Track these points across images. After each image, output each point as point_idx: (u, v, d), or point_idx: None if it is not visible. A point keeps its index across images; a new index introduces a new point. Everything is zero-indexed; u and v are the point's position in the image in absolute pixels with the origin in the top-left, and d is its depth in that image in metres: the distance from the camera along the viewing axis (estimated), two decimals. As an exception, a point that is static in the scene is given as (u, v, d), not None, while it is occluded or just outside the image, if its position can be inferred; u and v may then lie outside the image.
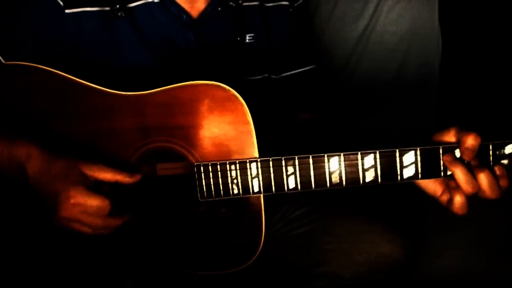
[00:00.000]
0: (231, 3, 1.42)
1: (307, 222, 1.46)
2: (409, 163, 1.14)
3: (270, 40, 1.48)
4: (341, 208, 1.48)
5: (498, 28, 2.19)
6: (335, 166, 1.16)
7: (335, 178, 1.16)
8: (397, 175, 1.15)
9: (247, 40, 1.45)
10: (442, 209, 1.16)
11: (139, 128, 1.24)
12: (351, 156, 1.15)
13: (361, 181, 1.16)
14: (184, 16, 1.36)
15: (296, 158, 1.17)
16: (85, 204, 1.12)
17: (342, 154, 1.15)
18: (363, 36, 2.02)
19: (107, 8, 1.31)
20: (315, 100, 1.57)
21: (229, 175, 1.19)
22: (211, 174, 1.20)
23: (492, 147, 1.11)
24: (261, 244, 1.23)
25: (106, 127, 1.25)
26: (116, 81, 1.25)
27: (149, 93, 1.22)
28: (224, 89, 1.18)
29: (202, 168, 1.21)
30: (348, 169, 1.15)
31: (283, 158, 1.17)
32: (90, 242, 1.20)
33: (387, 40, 2.00)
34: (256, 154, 1.19)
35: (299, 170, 1.17)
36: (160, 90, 1.21)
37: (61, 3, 1.28)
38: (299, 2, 1.54)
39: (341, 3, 2.01)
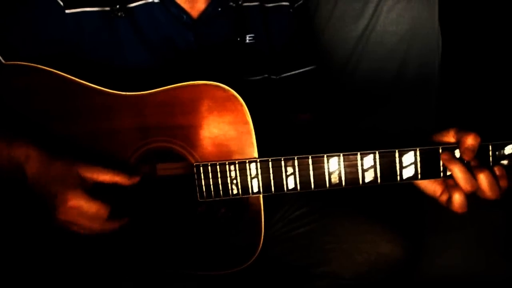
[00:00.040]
0: (231, 3, 1.42)
1: (307, 222, 1.46)
2: (408, 163, 1.14)
3: (270, 41, 1.48)
4: (341, 208, 1.48)
5: (498, 28, 2.19)
6: (334, 167, 1.16)
7: (334, 179, 1.16)
8: (397, 175, 1.15)
9: (247, 41, 1.45)
10: (442, 209, 1.16)
11: (139, 128, 1.24)
12: (351, 156, 1.15)
13: (361, 182, 1.16)
14: (184, 16, 1.36)
15: (296, 158, 1.17)
16: (83, 208, 1.13)
17: (341, 154, 1.15)
18: (363, 36, 2.02)
19: (107, 8, 1.31)
20: (315, 101, 1.57)
21: (228, 175, 1.20)
22: (210, 174, 1.20)
23: (492, 147, 1.11)
24: (261, 244, 1.23)
25: (106, 127, 1.25)
26: (116, 81, 1.25)
27: (149, 93, 1.22)
28: (224, 89, 1.18)
29: (201, 168, 1.21)
30: (348, 170, 1.15)
31: (282, 159, 1.17)
32: (89, 243, 1.20)
33: (387, 40, 2.00)
34: (256, 154, 1.19)
35: (299, 171, 1.17)
36: (160, 90, 1.21)
37: (61, 3, 1.28)
38: (300, 3, 1.54)
39: (341, 3, 2.01)
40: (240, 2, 1.43)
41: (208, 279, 1.29)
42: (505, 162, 1.12)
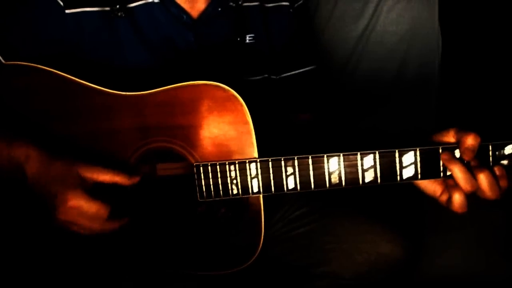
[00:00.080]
0: (231, 3, 1.42)
1: (307, 222, 1.46)
2: (408, 163, 1.14)
3: (270, 41, 1.48)
4: (341, 208, 1.48)
5: (498, 28, 2.19)
6: (334, 167, 1.16)
7: (334, 179, 1.16)
8: (397, 175, 1.15)
9: (247, 41, 1.45)
10: (442, 209, 1.16)
11: (139, 128, 1.24)
12: (351, 156, 1.15)
13: (361, 182, 1.16)
14: (184, 16, 1.36)
15: (296, 158, 1.17)
16: (82, 208, 1.13)
17: (341, 154, 1.15)
18: (363, 36, 2.02)
19: (107, 8, 1.31)
20: (315, 101, 1.57)
21: (228, 175, 1.20)
22: (210, 174, 1.20)
23: (491, 147, 1.11)
24: (261, 245, 1.23)
25: (106, 127, 1.25)
26: (116, 81, 1.25)
27: (149, 93, 1.22)
28: (224, 89, 1.18)
29: (201, 168, 1.21)
30: (348, 170, 1.15)
31: (282, 159, 1.17)
32: (89, 243, 1.20)
33: (387, 40, 2.00)
34: (256, 154, 1.19)
35: (299, 171, 1.17)
36: (160, 90, 1.21)
37: (61, 3, 1.28)
38: (300, 3, 1.54)
39: (341, 3, 2.01)
40: (240, 2, 1.43)
41: (208, 279, 1.29)
42: (505, 162, 1.12)
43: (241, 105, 1.18)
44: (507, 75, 2.16)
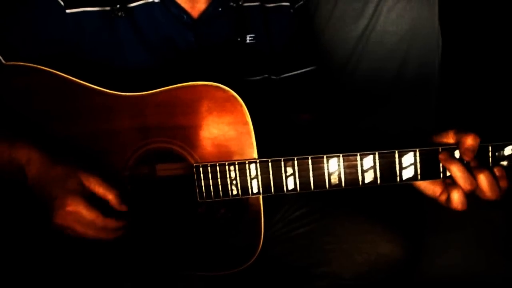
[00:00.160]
0: (232, 3, 1.42)
1: (307, 222, 1.46)
2: (408, 164, 1.14)
3: (271, 41, 1.48)
4: (341, 208, 1.48)
5: (498, 28, 2.19)
6: (334, 167, 1.16)
7: (334, 179, 1.16)
8: (396, 176, 1.15)
9: (247, 41, 1.45)
10: (442, 209, 1.16)
11: (139, 128, 1.24)
12: (350, 157, 1.15)
13: (360, 182, 1.16)
14: (185, 16, 1.36)
15: (295, 159, 1.17)
16: (80, 214, 1.12)
17: (341, 155, 1.15)
18: (363, 36, 2.02)
19: (108, 8, 1.31)
20: (315, 101, 1.57)
21: (228, 176, 1.20)
22: (210, 175, 1.20)
23: (491, 148, 1.12)
24: (260, 245, 1.23)
25: (106, 127, 1.25)
26: (116, 82, 1.25)
27: (149, 93, 1.22)
28: (223, 90, 1.18)
29: (201, 169, 1.21)
30: (347, 170, 1.16)
31: (282, 159, 1.17)
32: (89, 245, 1.20)
33: (387, 40, 2.00)
34: (255, 155, 1.19)
35: (298, 171, 1.17)
36: (160, 90, 1.21)
37: (62, 3, 1.28)
38: (300, 3, 1.54)
39: (341, 3, 2.01)
40: (240, 2, 1.43)
41: (208, 279, 1.29)
42: (504, 163, 1.12)
43: (241, 105, 1.18)
44: (507, 75, 2.16)
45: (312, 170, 1.16)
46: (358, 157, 1.15)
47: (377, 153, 1.14)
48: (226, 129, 1.20)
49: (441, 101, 2.09)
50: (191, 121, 1.21)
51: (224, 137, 1.20)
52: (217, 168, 1.20)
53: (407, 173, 1.14)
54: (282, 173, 1.18)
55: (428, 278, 1.72)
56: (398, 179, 1.15)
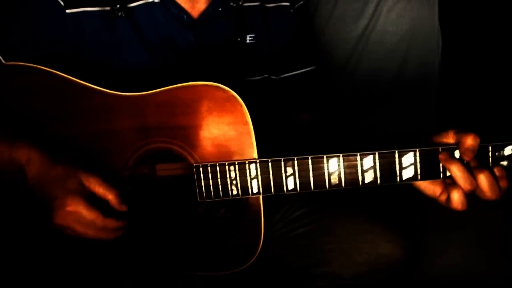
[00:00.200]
0: (232, 3, 1.42)
1: (307, 222, 1.46)
2: (408, 164, 1.14)
3: (271, 41, 1.48)
4: (341, 208, 1.48)
5: (498, 28, 2.19)
6: (334, 167, 1.16)
7: (334, 179, 1.16)
8: (396, 176, 1.15)
9: (247, 41, 1.45)
10: (442, 209, 1.16)
11: (139, 128, 1.24)
12: (350, 157, 1.15)
13: (360, 182, 1.16)
14: (185, 16, 1.36)
15: (295, 159, 1.17)
16: (80, 214, 1.12)
17: (341, 155, 1.15)
18: (363, 36, 2.02)
19: (108, 8, 1.31)
20: (315, 101, 1.57)
21: (228, 176, 1.20)
22: (210, 175, 1.20)
23: (491, 148, 1.12)
24: (260, 245, 1.23)
25: (106, 127, 1.25)
26: (116, 82, 1.25)
27: (149, 93, 1.22)
28: (223, 90, 1.18)
29: (201, 169, 1.21)
30: (347, 170, 1.16)
31: (282, 159, 1.17)
32: (89, 245, 1.20)
33: (387, 40, 2.00)
34: (255, 155, 1.19)
35: (298, 171, 1.17)
36: (160, 90, 1.21)
37: (62, 3, 1.28)
38: (300, 3, 1.54)
39: (341, 3, 2.01)
40: (240, 2, 1.43)
41: (208, 279, 1.29)
42: (504, 163, 1.12)
43: (241, 105, 1.18)
44: (507, 75, 2.16)
45: (312, 170, 1.16)
46: (358, 157, 1.15)
47: (377, 153, 1.14)
48: (226, 129, 1.20)
49: (441, 101, 2.09)
50: (191, 121, 1.21)
51: (224, 137, 1.20)
52: (217, 168, 1.20)
53: (407, 173, 1.14)
54: (282, 173, 1.18)
55: (428, 278, 1.72)
56: (398, 179, 1.15)
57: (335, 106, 2.00)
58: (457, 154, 1.12)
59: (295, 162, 1.17)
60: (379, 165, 1.14)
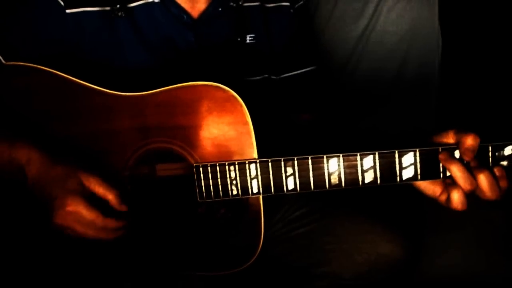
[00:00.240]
0: (232, 3, 1.42)
1: (307, 222, 1.46)
2: (408, 164, 1.14)
3: (271, 41, 1.48)
4: (341, 208, 1.48)
5: (498, 28, 2.19)
6: (334, 167, 1.16)
7: (334, 179, 1.16)
8: (396, 176, 1.15)
9: (247, 41, 1.45)
10: (442, 209, 1.16)
11: (139, 128, 1.24)
12: (350, 157, 1.15)
13: (360, 182, 1.16)
14: (185, 16, 1.36)
15: (295, 159, 1.17)
16: (80, 214, 1.12)
17: (341, 155, 1.15)
18: (363, 36, 2.02)
19: (108, 8, 1.31)
20: (315, 101, 1.57)
21: (228, 176, 1.20)
22: (210, 175, 1.20)
23: (491, 148, 1.12)
24: (260, 245, 1.23)
25: (106, 127, 1.25)
26: (116, 82, 1.25)
27: (149, 93, 1.22)
28: (223, 90, 1.18)
29: (201, 169, 1.21)
30: (347, 170, 1.16)
31: (282, 159, 1.17)
32: (89, 245, 1.20)
33: (387, 40, 2.00)
34: (255, 155, 1.19)
35: (298, 171, 1.17)
36: (160, 90, 1.21)
37: (62, 3, 1.28)
38: (300, 3, 1.54)
39: (341, 3, 2.01)
40: (240, 2, 1.43)
41: (208, 279, 1.29)
42: (504, 163, 1.12)
43: (241, 105, 1.18)
44: (507, 75, 2.16)
45: (312, 170, 1.16)
46: (358, 157, 1.15)
47: (377, 153, 1.14)
48: (226, 129, 1.20)
49: (441, 101, 2.09)
50: (191, 121, 1.21)
51: (224, 137, 1.20)
52: (217, 168, 1.20)
53: (407, 173, 1.14)
54: (282, 173, 1.18)
55: (428, 278, 1.72)
56: (398, 179, 1.15)
57: (335, 106, 2.00)
58: (457, 154, 1.12)
59: (295, 162, 1.17)
60: (379, 165, 1.14)
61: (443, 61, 2.06)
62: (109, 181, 1.17)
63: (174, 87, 1.21)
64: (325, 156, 1.16)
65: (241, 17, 1.44)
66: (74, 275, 1.23)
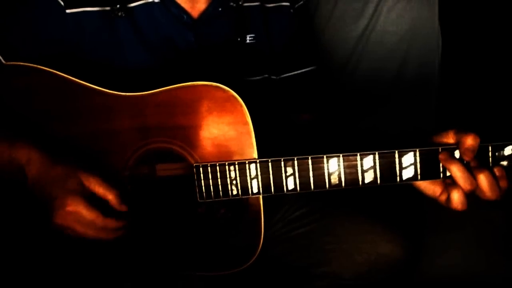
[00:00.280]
0: (232, 3, 1.42)
1: (307, 222, 1.46)
2: (408, 164, 1.14)
3: (271, 41, 1.48)
4: (341, 208, 1.48)
5: (498, 28, 2.19)
6: (334, 167, 1.16)
7: (334, 179, 1.16)
8: (397, 176, 1.15)
9: (247, 41, 1.45)
10: (442, 209, 1.16)
11: (139, 128, 1.24)
12: (350, 157, 1.15)
13: (360, 182, 1.16)
14: (185, 17, 1.36)
15: (295, 159, 1.17)
16: (80, 214, 1.12)
17: (341, 155, 1.15)
18: (363, 36, 2.02)
19: (108, 8, 1.31)
20: (315, 101, 1.57)
21: (228, 176, 1.20)
22: (210, 175, 1.20)
23: (491, 148, 1.12)
24: (260, 245, 1.23)
25: (106, 127, 1.25)
26: (116, 82, 1.25)
27: (149, 93, 1.22)
28: (223, 89, 1.18)
29: (201, 169, 1.21)
30: (347, 170, 1.16)
31: (282, 159, 1.17)
32: (89, 245, 1.20)
33: (387, 40, 2.00)
34: (255, 155, 1.19)
35: (298, 171, 1.17)
36: (160, 90, 1.21)
37: (62, 3, 1.28)
38: (300, 3, 1.54)
39: (341, 3, 2.01)
40: (240, 2, 1.43)
41: (208, 279, 1.29)
42: (504, 163, 1.12)
43: (241, 105, 1.18)
44: (507, 75, 2.16)
45: (312, 170, 1.16)
46: (358, 157, 1.15)
47: (377, 153, 1.14)
48: (226, 129, 1.20)
49: (441, 101, 2.09)
50: (191, 121, 1.21)
51: (224, 137, 1.20)
52: (217, 168, 1.20)
53: (407, 173, 1.14)
54: (282, 173, 1.18)
55: (428, 278, 1.72)
56: (398, 179, 1.15)
57: (335, 106, 2.00)
58: (457, 154, 1.12)
59: (295, 162, 1.17)
60: (379, 165, 1.14)
61: (443, 61, 2.06)
62: (109, 181, 1.17)
63: (174, 87, 1.21)
64: (325, 156, 1.16)
65: (241, 17, 1.44)
66: (74, 275, 1.23)
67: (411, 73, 2.03)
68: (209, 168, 1.20)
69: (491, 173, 1.10)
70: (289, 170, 1.17)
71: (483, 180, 1.09)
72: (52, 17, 1.29)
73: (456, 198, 1.11)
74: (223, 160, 1.20)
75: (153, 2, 1.34)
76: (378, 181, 1.15)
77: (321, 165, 1.16)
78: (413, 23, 1.98)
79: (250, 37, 1.45)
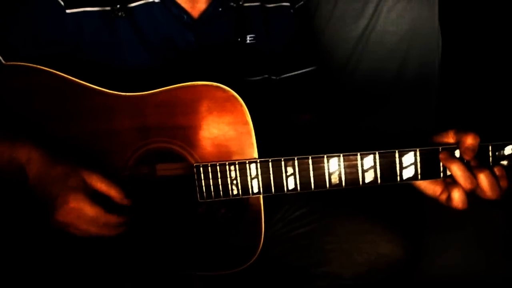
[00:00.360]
0: (232, 3, 1.42)
1: (307, 222, 1.46)
2: (408, 164, 1.14)
3: (271, 41, 1.48)
4: (341, 208, 1.48)
5: (498, 28, 2.19)
6: (334, 167, 1.16)
7: (334, 179, 1.16)
8: (397, 176, 1.15)
9: (247, 41, 1.45)
10: (442, 209, 1.16)
11: (139, 128, 1.24)
12: (351, 157, 1.15)
13: (361, 182, 1.16)
14: (185, 17, 1.36)
15: (296, 159, 1.17)
16: (82, 211, 1.13)
17: (341, 155, 1.15)
18: (363, 36, 2.02)
19: (108, 8, 1.31)
20: (315, 102, 1.57)
21: (228, 175, 1.20)
22: (210, 175, 1.20)
23: (491, 148, 1.12)
24: (261, 245, 1.23)
25: (106, 127, 1.25)
26: (116, 82, 1.25)
27: (149, 93, 1.22)
28: (223, 89, 1.18)
29: (201, 169, 1.21)
30: (348, 170, 1.16)
31: (282, 159, 1.17)
32: (90, 244, 1.20)
33: (387, 40, 2.00)
34: (256, 155, 1.19)
35: (299, 171, 1.17)
36: (160, 90, 1.21)
37: (62, 3, 1.28)
38: (300, 3, 1.54)
39: (341, 3, 2.01)
40: (241, 2, 1.43)
41: (208, 279, 1.29)
42: (504, 162, 1.12)
43: (241, 105, 1.18)
44: (507, 75, 2.16)
45: (313, 170, 1.16)
46: (359, 157, 1.15)
47: (377, 152, 1.14)
48: (226, 129, 1.20)
49: (441, 101, 2.09)
50: (191, 121, 1.21)
51: (224, 137, 1.20)
52: (217, 168, 1.20)
53: (408, 173, 1.14)
54: (282, 173, 1.18)
55: (428, 278, 1.72)
56: (398, 179, 1.15)
57: (335, 106, 2.00)
58: (457, 153, 1.12)
59: (296, 162, 1.17)
60: (380, 165, 1.14)
61: (443, 61, 2.06)
62: (110, 178, 1.17)
63: (174, 87, 1.21)
64: (325, 156, 1.16)
65: (241, 17, 1.44)
66: (75, 275, 1.23)
67: (411, 73, 2.03)
68: (209, 168, 1.20)
69: (491, 172, 1.10)
70: (290, 170, 1.17)
71: (483, 179, 1.09)
72: (52, 17, 1.29)
73: (457, 197, 1.11)
74: (223, 160, 1.20)
75: (153, 2, 1.34)
76: (379, 181, 1.15)
77: (321, 165, 1.16)
78: (413, 23, 1.98)
79: (250, 37, 1.45)
